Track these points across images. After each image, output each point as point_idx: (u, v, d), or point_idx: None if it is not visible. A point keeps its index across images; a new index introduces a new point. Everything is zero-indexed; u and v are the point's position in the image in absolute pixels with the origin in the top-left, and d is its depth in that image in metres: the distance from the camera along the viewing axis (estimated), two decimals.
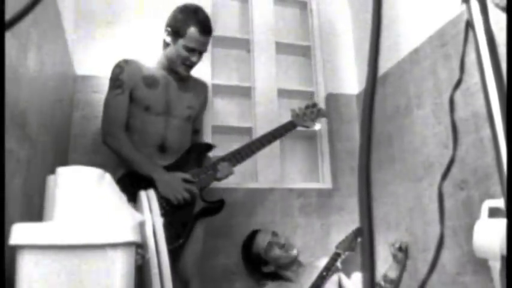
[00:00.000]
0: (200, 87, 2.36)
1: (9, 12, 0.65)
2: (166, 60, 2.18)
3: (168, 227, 1.92)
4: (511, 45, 0.71)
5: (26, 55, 1.50)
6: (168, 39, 2.15)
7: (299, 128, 2.53)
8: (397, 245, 2.22)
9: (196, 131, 2.36)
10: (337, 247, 2.43)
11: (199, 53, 2.16)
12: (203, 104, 2.37)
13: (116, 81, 2.09)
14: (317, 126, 2.61)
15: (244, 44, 3.09)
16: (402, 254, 2.20)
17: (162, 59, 2.20)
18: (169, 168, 2.06)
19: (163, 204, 1.94)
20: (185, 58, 2.13)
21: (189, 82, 2.29)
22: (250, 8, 3.16)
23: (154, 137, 2.11)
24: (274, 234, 2.41)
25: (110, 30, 2.71)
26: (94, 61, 2.62)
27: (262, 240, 2.38)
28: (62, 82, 2.26)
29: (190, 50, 2.12)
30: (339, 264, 2.36)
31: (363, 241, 0.40)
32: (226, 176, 2.15)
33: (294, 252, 2.36)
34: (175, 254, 2.00)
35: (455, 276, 2.06)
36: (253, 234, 2.45)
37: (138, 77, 2.11)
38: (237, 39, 3.09)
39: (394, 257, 2.25)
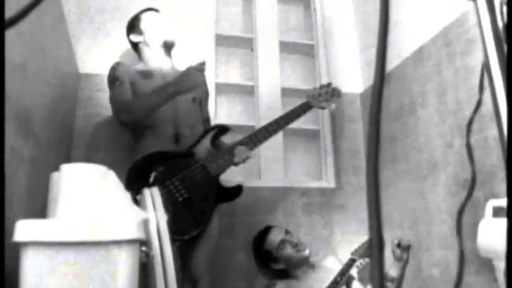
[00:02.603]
0: (198, 76, 2.30)
1: (13, 10, 0.65)
2: (151, 55, 2.28)
3: (187, 215, 1.93)
4: (511, 39, 0.70)
5: (30, 53, 1.50)
6: (137, 38, 2.31)
7: (303, 126, 2.51)
8: (396, 242, 2.20)
9: (207, 120, 2.35)
10: (352, 253, 2.39)
11: (166, 48, 2.30)
12: (205, 91, 2.37)
13: (113, 78, 2.14)
14: (332, 106, 2.49)
15: (248, 43, 3.09)
16: (401, 250, 2.18)
17: (146, 61, 2.29)
18: (185, 154, 2.06)
19: (181, 192, 1.94)
20: (159, 33, 2.27)
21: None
22: (254, 6, 3.15)
23: (167, 127, 2.10)
24: (287, 232, 2.37)
25: (114, 28, 2.71)
26: (97, 59, 2.62)
27: (274, 238, 2.34)
28: (66, 80, 2.27)
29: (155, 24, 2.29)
30: (355, 273, 2.31)
31: (371, 241, 0.40)
32: (243, 160, 2.11)
33: (306, 252, 2.30)
34: (188, 249, 2.00)
35: (458, 276, 2.05)
36: (266, 230, 2.42)
37: (132, 71, 2.17)
38: (240, 38, 3.09)
39: (393, 253, 2.23)
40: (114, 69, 2.17)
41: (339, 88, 2.49)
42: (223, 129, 2.22)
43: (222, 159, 2.08)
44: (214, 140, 2.16)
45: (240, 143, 2.13)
